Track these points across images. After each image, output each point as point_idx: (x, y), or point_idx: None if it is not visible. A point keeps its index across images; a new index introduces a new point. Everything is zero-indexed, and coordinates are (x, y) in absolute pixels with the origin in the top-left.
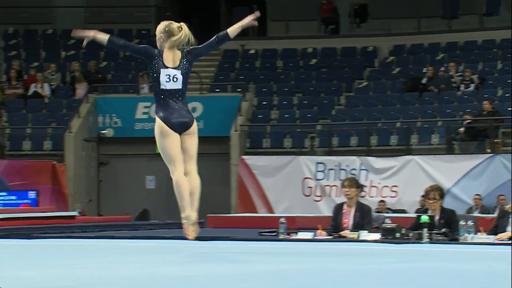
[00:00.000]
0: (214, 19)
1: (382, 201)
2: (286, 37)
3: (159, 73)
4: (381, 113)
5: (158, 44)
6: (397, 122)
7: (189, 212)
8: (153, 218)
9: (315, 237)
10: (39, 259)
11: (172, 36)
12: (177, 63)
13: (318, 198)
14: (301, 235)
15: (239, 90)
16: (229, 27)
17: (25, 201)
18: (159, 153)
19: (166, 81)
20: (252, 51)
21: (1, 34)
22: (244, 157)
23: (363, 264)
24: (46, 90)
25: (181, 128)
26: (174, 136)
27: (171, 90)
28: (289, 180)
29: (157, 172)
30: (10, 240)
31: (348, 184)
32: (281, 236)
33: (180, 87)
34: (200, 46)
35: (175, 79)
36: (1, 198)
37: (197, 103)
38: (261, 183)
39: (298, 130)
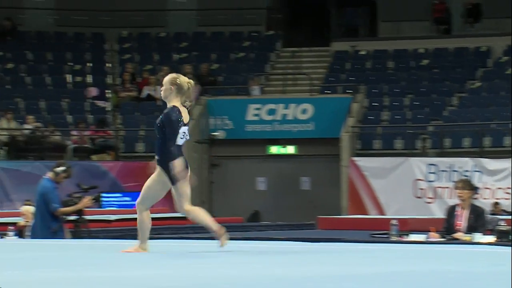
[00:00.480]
0: (324, 21)
1: (496, 203)
2: (397, 38)
3: (180, 129)
4: (494, 114)
5: (162, 94)
6: (510, 123)
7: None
8: (264, 219)
9: (428, 239)
10: (153, 259)
11: (182, 90)
12: (187, 119)
13: (430, 200)
14: (413, 237)
15: (350, 91)
16: (339, 29)
17: None
18: (269, 155)
19: (181, 138)
20: (362, 52)
21: (116, 38)
22: (355, 158)
23: (477, 267)
24: (158, 93)
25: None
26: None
27: (179, 145)
28: (400, 181)
29: (267, 173)
30: (125, 240)
31: (461, 186)
32: (393, 238)
33: (184, 143)
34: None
35: (185, 136)
36: (116, 199)
37: (308, 105)
38: (371, 185)
39: (409, 131)
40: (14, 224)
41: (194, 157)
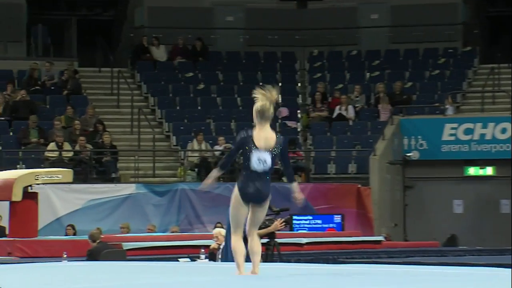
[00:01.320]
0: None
1: None
2: None
3: (250, 155)
4: None
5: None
6: None
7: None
8: (462, 243)
9: None
10: (346, 284)
11: (264, 117)
12: (269, 146)
13: None
14: None
15: None
16: None
17: (331, 225)
18: (466, 176)
19: (257, 163)
20: None
21: (306, 57)
22: None
23: None
24: (350, 112)
25: (260, 200)
26: (245, 208)
27: (258, 172)
28: None
29: (464, 195)
30: (316, 264)
31: None
32: None
33: (268, 169)
34: (287, 158)
35: (264, 162)
36: (307, 222)
37: (507, 124)
38: None
39: None
40: (206, 247)
41: (386, 178)
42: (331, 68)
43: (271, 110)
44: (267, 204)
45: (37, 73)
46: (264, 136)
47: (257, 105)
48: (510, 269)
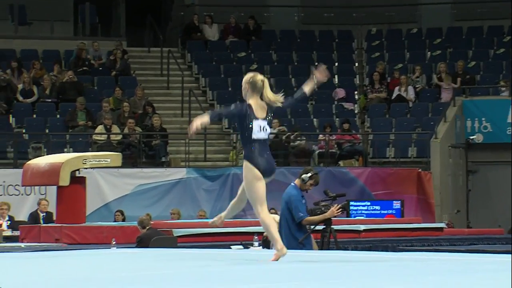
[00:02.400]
0: None
1: None
2: None
3: (251, 124)
4: None
5: (243, 93)
6: None
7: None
8: None
9: None
10: (406, 273)
11: (255, 88)
12: (264, 114)
13: None
14: None
15: None
16: None
17: (389, 211)
18: None
19: (258, 131)
20: None
21: (364, 35)
22: None
23: None
24: (410, 93)
25: (271, 174)
26: (263, 181)
27: (260, 140)
28: None
29: None
30: (375, 252)
31: None
32: None
33: (267, 137)
34: (282, 103)
35: (264, 130)
36: (365, 208)
37: None
38: None
39: None
40: (259, 233)
41: (448, 162)
42: (390, 47)
43: (260, 83)
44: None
45: (85, 53)
46: (259, 106)
47: (247, 77)
48: None
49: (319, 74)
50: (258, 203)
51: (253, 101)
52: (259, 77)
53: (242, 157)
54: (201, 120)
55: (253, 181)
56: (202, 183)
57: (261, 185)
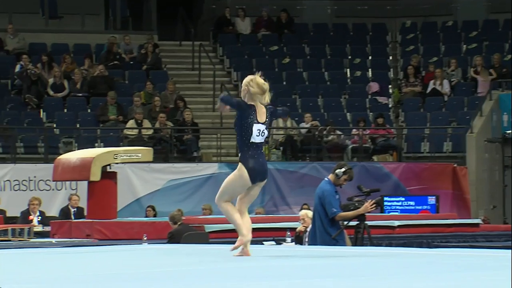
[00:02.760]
0: None
1: None
2: None
3: (252, 126)
4: None
5: (242, 95)
6: None
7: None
8: None
9: None
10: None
11: (261, 91)
12: (264, 118)
13: None
14: None
15: None
16: None
17: (424, 207)
18: None
19: (257, 135)
20: None
21: (398, 28)
22: None
23: None
24: (445, 87)
25: (261, 179)
26: (258, 186)
27: (257, 143)
28: None
29: None
30: (409, 249)
31: None
32: None
33: (263, 140)
34: (276, 110)
35: (263, 134)
36: (399, 203)
37: None
38: None
39: None
40: (292, 229)
41: (484, 157)
42: (424, 40)
43: (265, 87)
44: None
45: (116, 47)
46: (260, 109)
47: (247, 80)
48: None
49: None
50: (226, 196)
51: (256, 105)
52: (262, 80)
53: (239, 158)
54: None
55: (238, 182)
56: None
57: (240, 190)
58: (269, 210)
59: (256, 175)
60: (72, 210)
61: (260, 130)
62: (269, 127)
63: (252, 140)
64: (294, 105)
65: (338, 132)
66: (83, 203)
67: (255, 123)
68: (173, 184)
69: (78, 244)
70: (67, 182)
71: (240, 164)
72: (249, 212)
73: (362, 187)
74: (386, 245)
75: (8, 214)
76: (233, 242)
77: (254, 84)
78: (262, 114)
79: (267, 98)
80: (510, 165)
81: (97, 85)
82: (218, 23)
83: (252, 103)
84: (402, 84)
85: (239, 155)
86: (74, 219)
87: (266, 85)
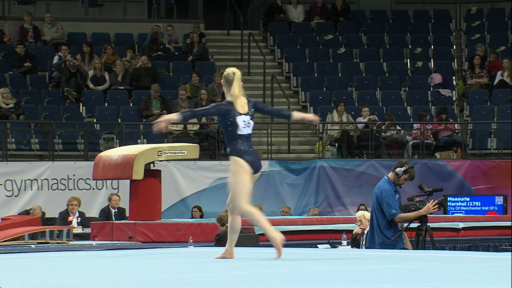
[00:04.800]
0: None
1: None
2: None
3: (236, 120)
4: None
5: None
6: None
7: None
8: None
9: None
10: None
11: (229, 82)
12: (246, 109)
13: None
14: None
15: None
16: None
17: (491, 207)
18: None
19: (243, 127)
20: None
21: (463, 15)
22: None
23: None
24: None
25: (256, 171)
26: (250, 176)
27: (245, 135)
28: None
29: None
30: (475, 252)
31: None
32: None
33: (250, 132)
34: (265, 105)
35: (248, 124)
36: (464, 204)
37: None
38: None
39: None
40: (348, 231)
41: None
42: (491, 28)
43: (231, 76)
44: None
45: (160, 37)
46: (240, 102)
47: (233, 72)
48: None
49: (312, 119)
50: (242, 196)
51: (234, 99)
52: (231, 70)
53: (228, 153)
54: (169, 117)
55: (242, 173)
56: (286, 177)
57: (248, 179)
58: (323, 211)
59: (252, 165)
60: (113, 211)
61: (245, 121)
62: (259, 110)
63: (239, 132)
64: (350, 98)
65: (398, 127)
66: (124, 204)
67: (237, 115)
68: (221, 183)
69: (120, 247)
70: (108, 181)
71: (232, 158)
72: (302, 213)
73: (423, 186)
74: (450, 249)
75: (46, 215)
76: (285, 245)
77: (222, 78)
78: (243, 105)
79: (235, 89)
80: None
81: (140, 77)
82: (268, 10)
83: (230, 99)
84: (467, 75)
85: (228, 150)
86: (115, 220)
87: (232, 75)
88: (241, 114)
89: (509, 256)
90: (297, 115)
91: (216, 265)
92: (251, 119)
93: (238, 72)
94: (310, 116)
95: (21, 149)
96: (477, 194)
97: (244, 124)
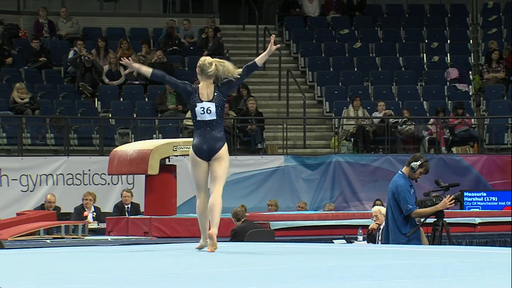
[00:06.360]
0: None
1: None
2: None
3: (195, 107)
4: None
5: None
6: None
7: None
8: None
9: None
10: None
11: (203, 71)
12: (211, 96)
13: None
14: None
15: None
16: None
17: (508, 202)
18: None
19: (201, 113)
20: None
21: (480, 9)
22: None
23: None
24: None
25: (208, 155)
26: (202, 165)
27: (205, 121)
28: None
29: None
30: (492, 248)
31: None
32: None
33: (214, 117)
34: (232, 77)
35: (209, 111)
36: (481, 199)
37: None
38: None
39: None
40: (363, 227)
41: None
42: (508, 22)
43: (212, 68)
44: (222, 157)
45: (175, 32)
46: (206, 89)
47: (199, 62)
48: None
49: (273, 47)
50: (196, 189)
51: (201, 84)
52: (207, 59)
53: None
54: (142, 68)
55: (191, 165)
56: (302, 172)
57: (197, 171)
58: (339, 206)
59: (199, 151)
60: (126, 206)
61: (204, 108)
62: (230, 87)
63: (198, 118)
64: (366, 93)
65: (414, 122)
66: (137, 199)
67: (198, 102)
68: (236, 178)
69: (136, 242)
70: (123, 176)
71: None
72: (318, 208)
73: (440, 181)
74: (466, 244)
75: (61, 210)
76: (300, 240)
77: (198, 67)
78: (209, 92)
79: (207, 75)
80: None
81: None
82: (284, 5)
83: (199, 84)
84: (484, 70)
85: None
86: (129, 215)
87: (207, 65)
88: (202, 101)
89: None
90: (260, 58)
91: (231, 260)
92: (216, 105)
93: (217, 64)
94: (272, 47)
95: (36, 144)
96: (494, 189)
97: (203, 111)
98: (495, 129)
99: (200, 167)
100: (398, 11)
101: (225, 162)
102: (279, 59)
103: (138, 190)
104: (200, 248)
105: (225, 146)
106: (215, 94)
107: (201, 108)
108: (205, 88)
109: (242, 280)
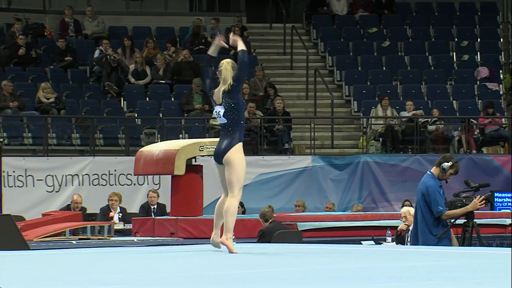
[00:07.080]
0: None
1: None
2: None
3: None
4: None
5: None
6: None
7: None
8: None
9: None
10: None
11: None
12: (220, 100)
13: None
14: None
15: None
16: None
17: None
18: None
19: (217, 117)
20: None
21: (510, 7)
22: None
23: None
24: None
25: (217, 159)
26: (218, 168)
27: (221, 124)
28: None
29: None
30: None
31: None
32: None
33: (225, 121)
34: (233, 82)
35: (219, 115)
36: (511, 199)
37: None
38: None
39: None
40: (392, 228)
41: None
42: None
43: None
44: (229, 162)
45: (201, 30)
46: (218, 92)
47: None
48: None
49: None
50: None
51: (217, 89)
52: (224, 63)
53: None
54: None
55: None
56: (329, 172)
57: (218, 173)
58: (367, 207)
59: (214, 157)
60: (152, 207)
61: (216, 111)
62: (231, 105)
63: (217, 122)
64: (395, 92)
65: (443, 122)
66: (165, 199)
67: (214, 105)
68: (263, 178)
69: (162, 243)
70: (149, 177)
71: None
72: (346, 209)
73: (469, 181)
74: (497, 245)
75: (87, 211)
76: (328, 242)
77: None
78: (219, 96)
79: (224, 83)
80: None
81: (182, 71)
82: (312, 3)
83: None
84: None
85: None
86: (155, 216)
87: (221, 70)
88: (216, 105)
89: None
90: (239, 46)
91: (257, 262)
92: (225, 108)
93: (226, 64)
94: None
95: (61, 144)
96: None
97: (216, 115)
98: None
99: (218, 170)
100: (427, 9)
101: (232, 167)
102: (306, 58)
103: (164, 190)
104: (211, 240)
105: (233, 149)
106: (223, 97)
107: (215, 112)
108: (218, 92)
109: (267, 281)
